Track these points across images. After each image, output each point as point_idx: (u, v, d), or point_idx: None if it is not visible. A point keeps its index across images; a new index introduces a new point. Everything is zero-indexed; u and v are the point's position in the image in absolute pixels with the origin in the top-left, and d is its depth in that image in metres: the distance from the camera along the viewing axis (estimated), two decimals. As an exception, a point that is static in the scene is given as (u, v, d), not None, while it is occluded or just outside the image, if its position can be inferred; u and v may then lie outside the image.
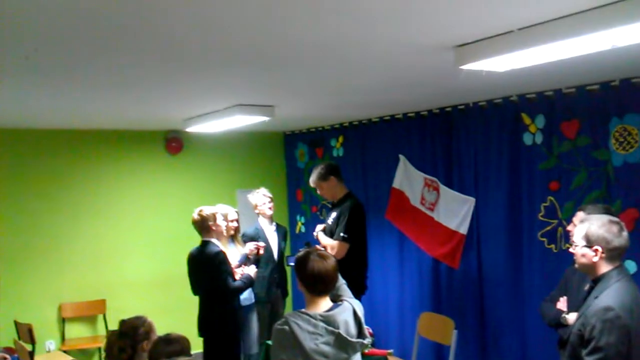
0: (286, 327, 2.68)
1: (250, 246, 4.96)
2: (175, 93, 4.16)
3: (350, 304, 2.86)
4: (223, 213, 4.81)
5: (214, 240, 4.52)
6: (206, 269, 4.46)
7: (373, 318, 5.95)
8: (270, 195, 5.45)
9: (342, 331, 2.70)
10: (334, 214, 4.89)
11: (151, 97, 4.32)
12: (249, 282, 4.59)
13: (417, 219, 5.58)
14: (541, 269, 4.52)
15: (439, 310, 5.27)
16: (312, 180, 5.01)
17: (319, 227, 4.95)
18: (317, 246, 4.40)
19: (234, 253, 4.95)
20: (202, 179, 6.96)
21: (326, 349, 2.67)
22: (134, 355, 2.92)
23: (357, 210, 4.82)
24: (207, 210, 4.51)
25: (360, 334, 2.81)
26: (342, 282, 3.05)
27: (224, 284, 4.41)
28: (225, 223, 4.72)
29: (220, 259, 4.41)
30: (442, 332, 4.86)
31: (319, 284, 2.78)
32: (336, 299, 2.91)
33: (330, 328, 2.69)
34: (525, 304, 4.68)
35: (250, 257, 4.93)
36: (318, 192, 5.17)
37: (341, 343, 2.69)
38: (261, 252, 5.02)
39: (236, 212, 5.15)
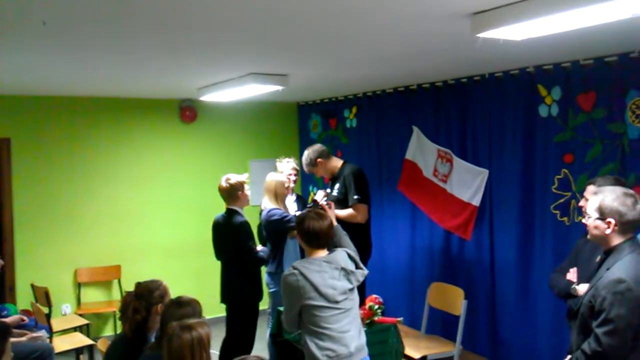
0: (295, 271, 3.09)
1: (322, 194, 4.91)
2: (189, 61, 4.15)
3: (343, 250, 3.32)
4: (278, 181, 4.82)
5: (239, 209, 4.55)
6: (232, 238, 4.50)
7: (383, 287, 6.00)
8: (298, 169, 5.43)
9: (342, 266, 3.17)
10: (337, 185, 4.93)
11: (165, 65, 4.31)
12: (267, 256, 4.66)
13: (429, 191, 5.59)
14: (553, 242, 4.52)
15: (450, 280, 5.29)
16: (305, 170, 5.10)
17: (321, 193, 4.86)
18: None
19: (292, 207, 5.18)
20: (216, 148, 6.99)
21: (333, 282, 3.11)
22: (148, 317, 2.97)
23: (360, 173, 4.89)
24: (234, 178, 4.52)
25: (358, 268, 3.29)
26: (343, 234, 3.55)
27: (250, 253, 4.47)
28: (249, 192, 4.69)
29: (246, 229, 4.46)
30: (452, 302, 4.90)
31: (314, 239, 3.20)
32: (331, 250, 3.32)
33: (334, 265, 3.15)
34: (535, 276, 4.69)
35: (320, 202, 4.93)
36: (317, 176, 5.21)
37: (345, 274, 3.17)
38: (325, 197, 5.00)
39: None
